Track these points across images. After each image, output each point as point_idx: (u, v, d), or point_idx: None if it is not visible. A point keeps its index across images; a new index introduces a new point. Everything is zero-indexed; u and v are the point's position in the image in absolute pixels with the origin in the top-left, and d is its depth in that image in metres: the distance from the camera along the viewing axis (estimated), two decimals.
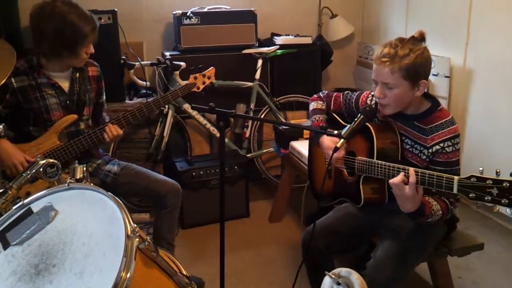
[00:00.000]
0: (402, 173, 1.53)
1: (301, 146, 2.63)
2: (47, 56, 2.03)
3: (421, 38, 1.63)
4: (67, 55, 2.01)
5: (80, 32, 1.96)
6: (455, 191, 1.40)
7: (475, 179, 1.34)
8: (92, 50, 2.07)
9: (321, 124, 2.00)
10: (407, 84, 1.61)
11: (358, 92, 1.96)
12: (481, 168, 1.35)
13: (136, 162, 2.46)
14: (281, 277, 2.47)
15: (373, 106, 1.84)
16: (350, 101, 1.96)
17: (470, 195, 1.35)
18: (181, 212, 2.37)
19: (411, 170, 1.51)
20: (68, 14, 1.94)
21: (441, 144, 1.64)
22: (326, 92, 2.10)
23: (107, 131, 2.10)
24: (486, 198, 1.32)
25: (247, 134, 3.35)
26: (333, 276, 1.28)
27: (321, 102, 2.07)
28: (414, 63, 1.58)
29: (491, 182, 1.31)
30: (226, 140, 3.31)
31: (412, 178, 1.50)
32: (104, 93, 2.33)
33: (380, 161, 1.65)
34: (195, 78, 2.33)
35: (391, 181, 1.54)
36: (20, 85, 2.01)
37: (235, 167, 3.02)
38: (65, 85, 2.11)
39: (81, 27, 1.96)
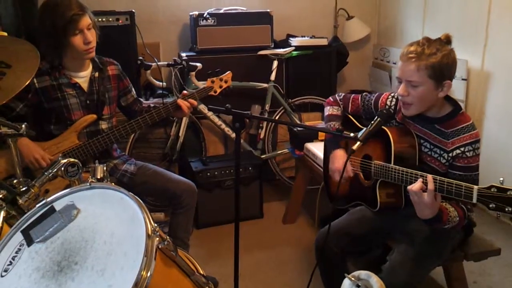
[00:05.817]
0: (420, 180, 1.52)
1: (316, 148, 2.63)
2: (47, 54, 2.01)
3: (447, 40, 1.64)
4: (58, 46, 1.99)
5: (64, 18, 1.92)
6: (474, 201, 1.39)
7: (496, 190, 1.33)
8: (89, 38, 1.98)
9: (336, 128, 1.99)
10: (431, 83, 1.61)
11: (377, 94, 1.95)
12: (501, 178, 1.34)
13: (152, 162, 2.49)
14: (294, 278, 2.47)
15: (391, 108, 1.84)
16: (369, 102, 1.95)
17: (490, 206, 1.34)
18: (195, 212, 2.39)
19: (429, 177, 1.50)
20: (50, 3, 1.95)
21: (462, 149, 1.63)
22: (343, 94, 2.08)
23: (182, 104, 2.18)
24: (506, 209, 1.31)
25: (262, 135, 3.37)
26: (352, 278, 1.29)
27: (337, 107, 2.05)
28: (440, 62, 1.58)
29: None
30: (241, 141, 3.32)
31: (431, 185, 1.48)
32: (132, 89, 2.34)
33: (397, 166, 1.65)
34: (213, 81, 2.35)
35: (409, 187, 1.53)
36: (42, 86, 2.04)
37: (250, 168, 3.03)
38: (85, 85, 2.13)
39: (64, 13, 1.92)
